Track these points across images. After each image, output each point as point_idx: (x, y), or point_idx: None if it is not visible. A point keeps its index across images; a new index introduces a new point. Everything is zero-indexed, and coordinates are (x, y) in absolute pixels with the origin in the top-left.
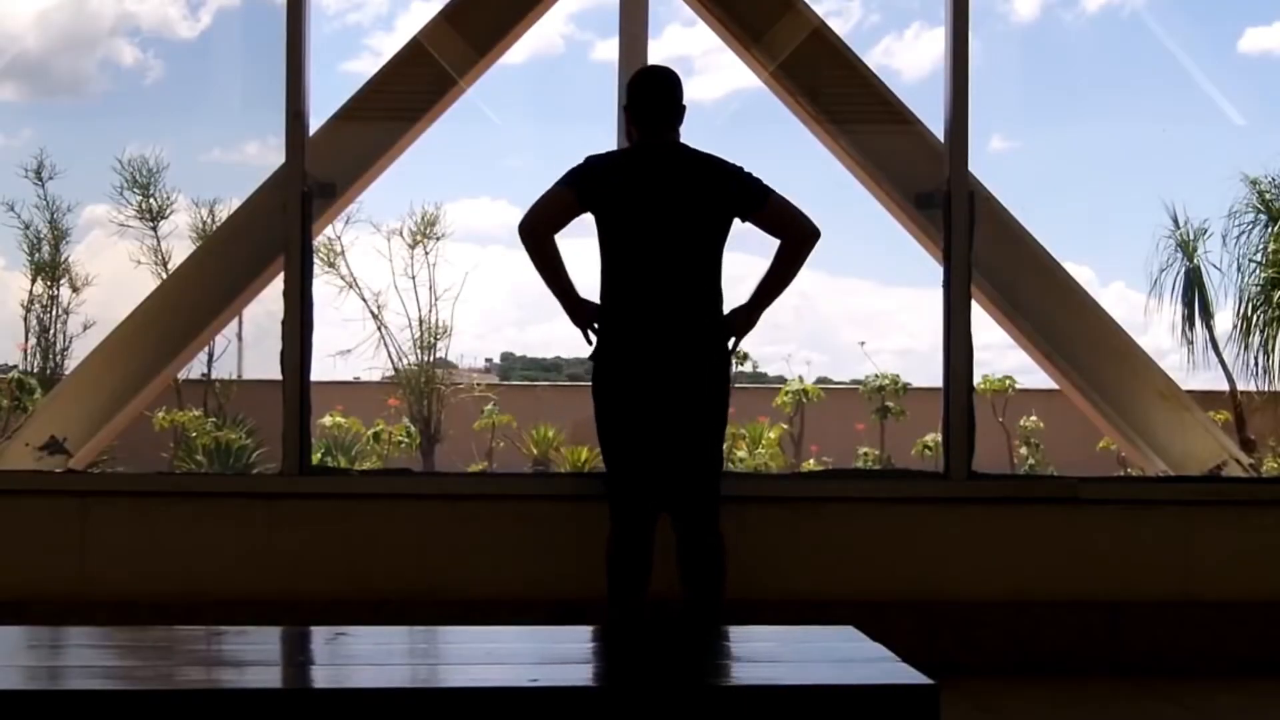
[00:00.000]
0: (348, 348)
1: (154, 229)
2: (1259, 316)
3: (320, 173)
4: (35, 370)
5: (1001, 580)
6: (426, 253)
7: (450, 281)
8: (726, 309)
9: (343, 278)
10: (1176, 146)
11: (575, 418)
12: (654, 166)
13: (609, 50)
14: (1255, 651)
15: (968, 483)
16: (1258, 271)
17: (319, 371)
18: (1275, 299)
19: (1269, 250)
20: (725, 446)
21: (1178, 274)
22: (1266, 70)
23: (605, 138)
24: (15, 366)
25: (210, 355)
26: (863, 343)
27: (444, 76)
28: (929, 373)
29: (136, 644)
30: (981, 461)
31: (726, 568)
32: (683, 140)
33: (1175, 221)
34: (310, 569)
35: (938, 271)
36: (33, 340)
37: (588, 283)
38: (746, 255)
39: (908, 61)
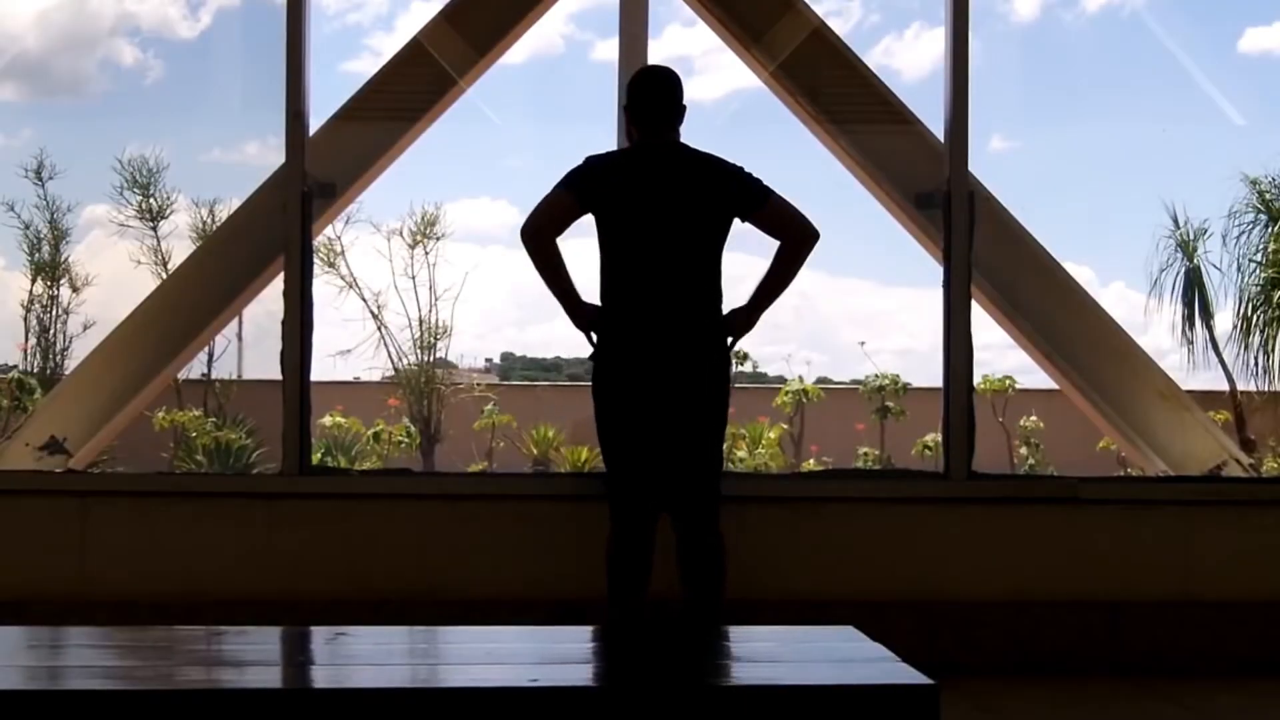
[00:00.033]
0: (348, 348)
1: (154, 229)
2: (1259, 316)
3: (320, 173)
4: (35, 370)
5: (1001, 580)
6: (426, 253)
7: (450, 281)
8: (726, 309)
9: (343, 278)
10: (1176, 146)
11: (575, 418)
12: (654, 166)
13: (609, 50)
14: (1255, 651)
15: (968, 483)
16: (1258, 271)
17: (319, 371)
18: (1275, 299)
19: (1269, 250)
20: (725, 446)
21: (1178, 274)
22: (1266, 70)
23: (605, 138)
24: (15, 366)
25: (210, 355)
26: (863, 343)
27: (444, 76)
28: (929, 373)
29: (136, 644)
30: (981, 461)
31: (726, 568)
32: (683, 140)
33: (1175, 221)
34: (310, 569)
35: (938, 271)
36: (33, 340)
37: (588, 283)
38: (746, 255)
39: (908, 61)
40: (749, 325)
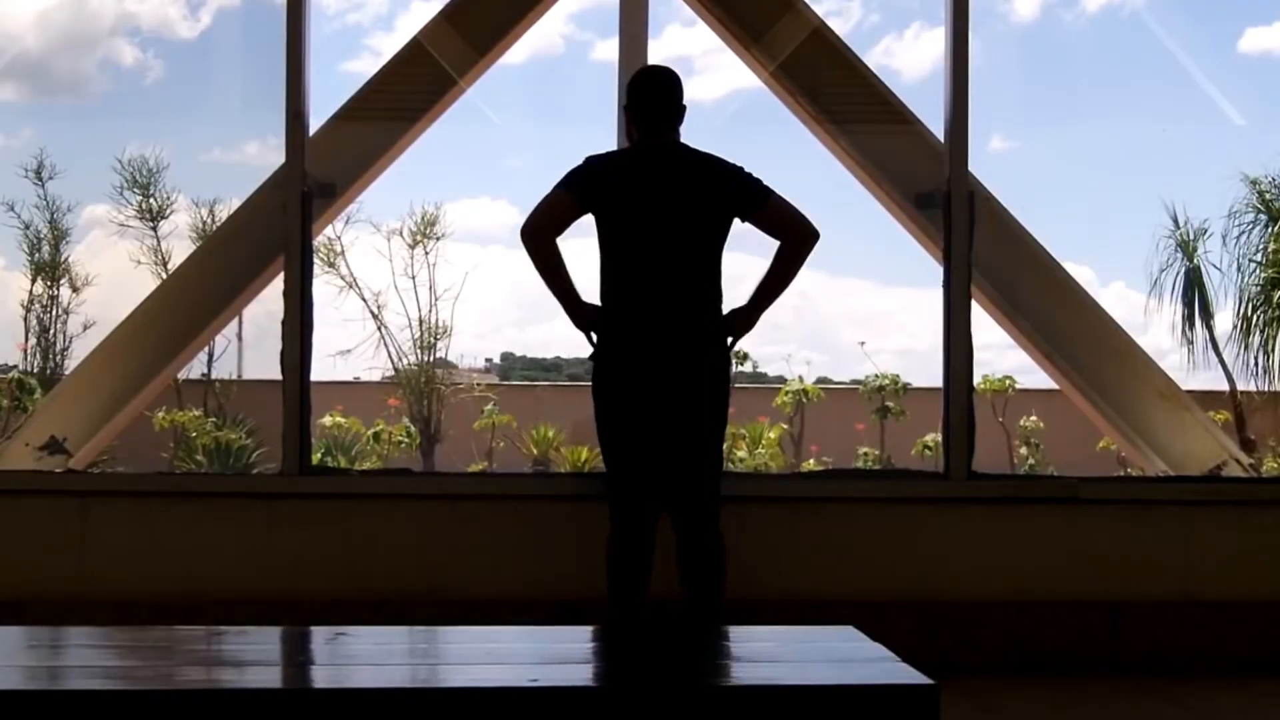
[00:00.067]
0: (348, 348)
1: (154, 229)
2: (1259, 316)
3: (320, 173)
4: (35, 370)
5: (1001, 580)
6: (426, 253)
7: (450, 281)
8: (726, 310)
9: (343, 278)
10: (1176, 146)
11: (575, 418)
12: (654, 166)
13: (609, 50)
14: (1255, 651)
15: (968, 483)
16: (1258, 271)
17: (319, 371)
18: (1275, 299)
19: (1269, 250)
20: (725, 446)
21: (1178, 274)
22: (1266, 70)
23: (605, 138)
24: (15, 366)
25: (210, 355)
26: (863, 343)
27: (444, 76)
28: (929, 373)
29: (136, 644)
30: (981, 461)
31: (726, 568)
32: (683, 140)
33: (1175, 221)
34: (310, 569)
35: (938, 271)
36: (33, 340)
37: (588, 283)
38: (746, 255)
39: (908, 61)
40: (749, 325)
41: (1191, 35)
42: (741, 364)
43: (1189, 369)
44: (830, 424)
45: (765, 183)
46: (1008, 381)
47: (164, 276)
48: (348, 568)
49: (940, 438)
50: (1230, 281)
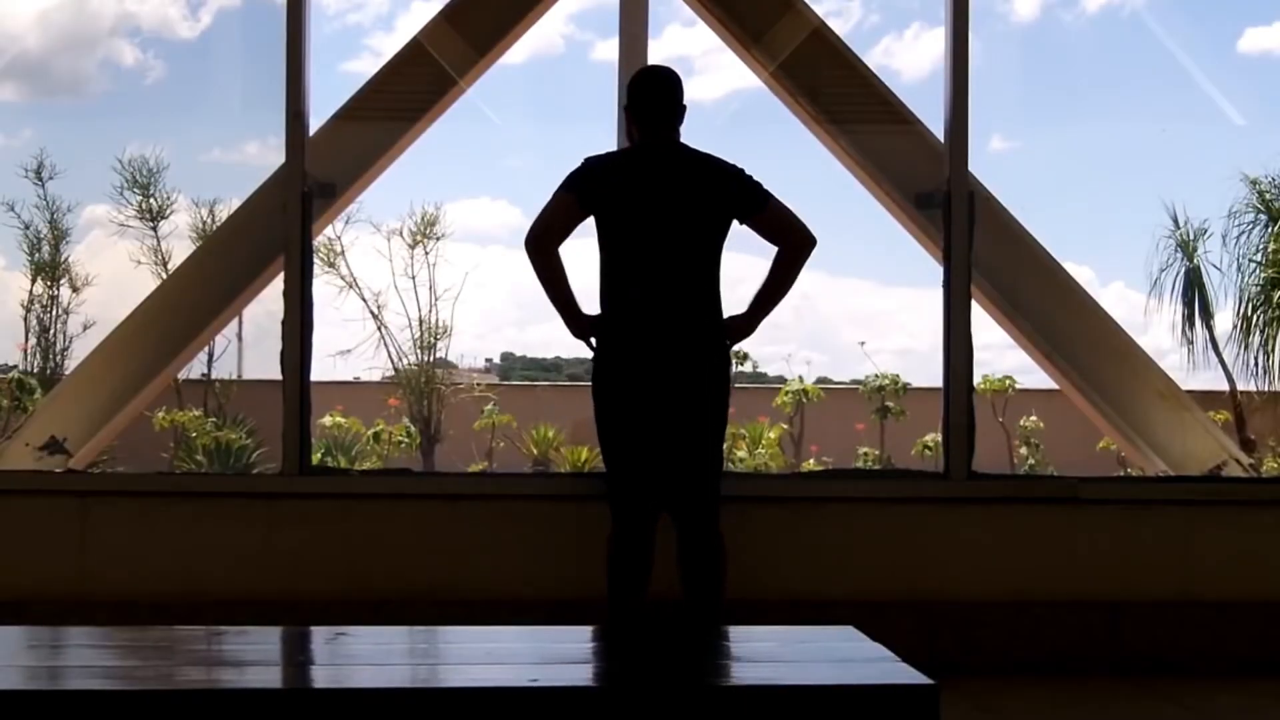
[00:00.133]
0: (348, 348)
1: (154, 229)
2: (1259, 316)
3: (320, 173)
4: (35, 370)
5: (1001, 580)
6: (426, 253)
7: (450, 281)
8: (726, 314)
9: (343, 278)
10: (1176, 146)
11: (575, 418)
12: (654, 166)
13: (609, 50)
14: (1255, 651)
15: (968, 483)
16: (1258, 271)
17: (319, 371)
18: (1275, 299)
19: (1269, 250)
20: (725, 446)
21: (1178, 274)
22: (1266, 70)
23: (605, 138)
24: (15, 366)
25: (210, 355)
26: (863, 343)
27: (444, 76)
28: (929, 373)
29: (136, 644)
30: (981, 461)
31: (726, 568)
32: (683, 140)
33: (1175, 221)
34: (310, 569)
35: (938, 271)
36: (33, 340)
37: (588, 283)
38: (746, 255)
39: (908, 61)
40: (748, 332)
41: (1191, 35)
42: (741, 364)
43: (1189, 369)
44: (830, 424)
45: (765, 186)
46: (1008, 381)
47: (164, 276)
48: (348, 568)
49: (940, 438)
50: (1230, 281)
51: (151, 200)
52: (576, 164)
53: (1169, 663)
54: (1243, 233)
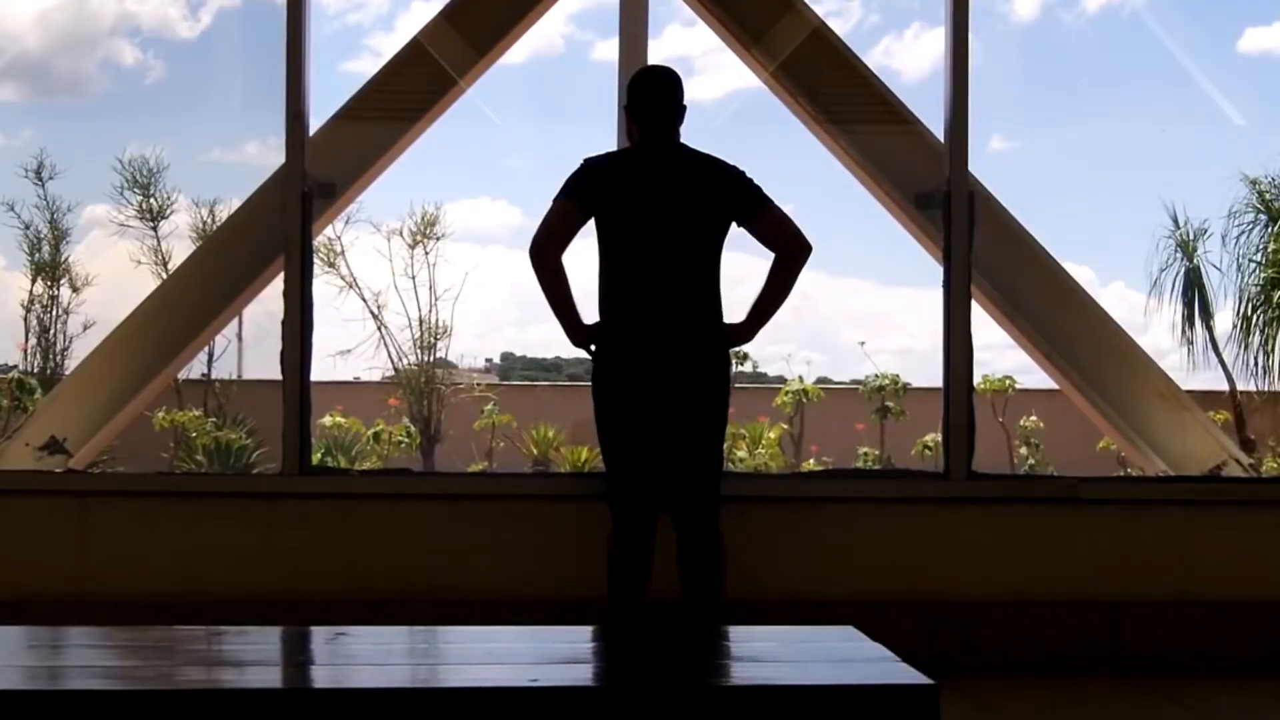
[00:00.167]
0: (348, 348)
1: (154, 229)
2: (1259, 316)
3: (320, 173)
4: (35, 370)
5: (1001, 580)
6: (426, 253)
7: (450, 281)
8: (726, 315)
9: (343, 278)
10: (1176, 146)
11: (575, 418)
12: (654, 166)
13: (609, 50)
14: (1255, 651)
15: (968, 483)
16: (1258, 271)
17: (319, 371)
18: (1275, 299)
19: (1269, 250)
20: (725, 446)
21: (1178, 274)
22: (1266, 70)
23: (605, 138)
24: (15, 366)
25: (210, 355)
26: (863, 343)
27: (444, 76)
28: (929, 373)
29: (136, 644)
30: (981, 461)
31: (726, 568)
32: (683, 140)
33: (1175, 221)
34: (310, 569)
35: (938, 271)
36: (33, 340)
37: (587, 284)
38: (747, 255)
39: (908, 61)
40: (747, 339)
41: (1191, 35)
42: (741, 364)
43: (1189, 369)
44: (830, 424)
45: (765, 191)
46: (1008, 381)
47: (164, 276)
48: (348, 568)
49: (940, 438)
50: (1230, 281)
51: (151, 200)
52: (576, 164)
53: (1169, 663)
54: (1243, 233)
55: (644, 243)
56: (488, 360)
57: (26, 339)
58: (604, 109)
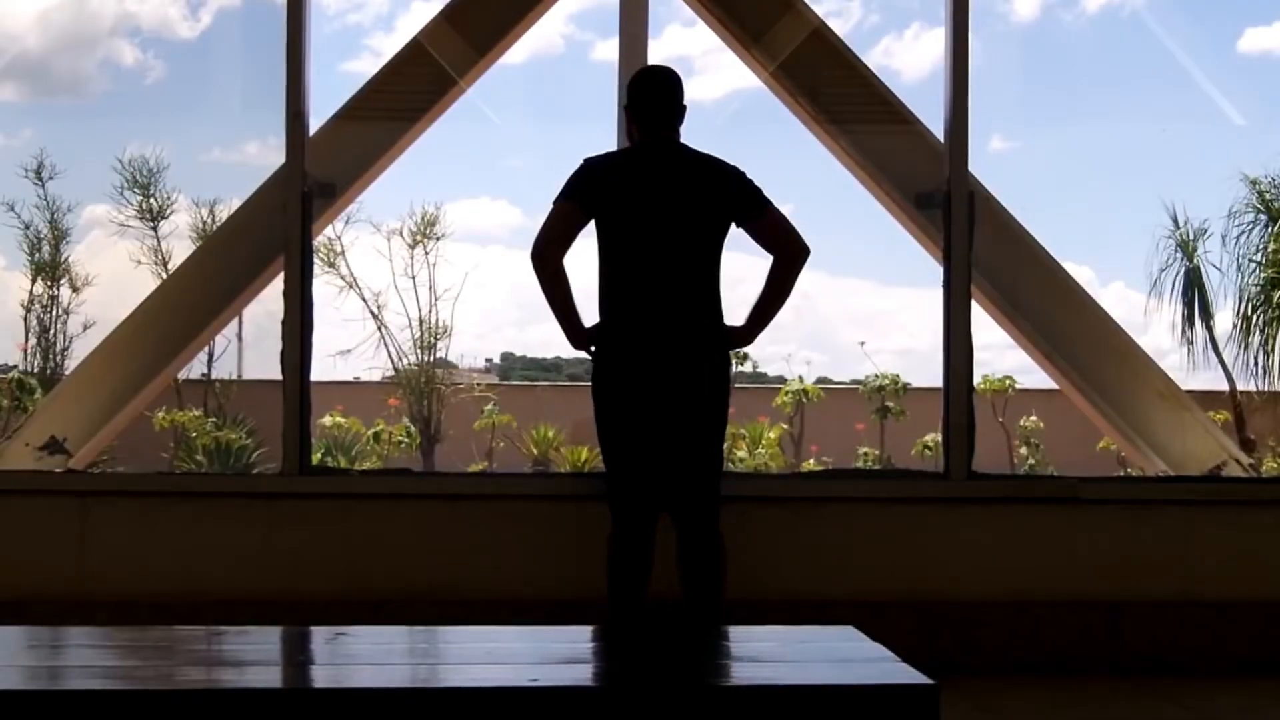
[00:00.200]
0: (348, 348)
1: (154, 229)
2: (1259, 316)
3: (320, 173)
4: (35, 370)
5: (1001, 580)
6: (426, 253)
7: (450, 281)
8: (726, 315)
9: (343, 278)
10: (1176, 146)
11: (575, 418)
12: (654, 166)
13: (609, 50)
14: (1255, 651)
15: (968, 483)
16: (1258, 271)
17: (319, 371)
18: (1275, 299)
19: (1269, 250)
20: (725, 446)
21: (1178, 274)
22: (1266, 70)
23: (605, 138)
24: (15, 366)
25: (210, 355)
26: (863, 343)
27: (444, 76)
28: (929, 373)
29: (136, 644)
30: (981, 461)
31: (726, 568)
32: (683, 140)
33: (1175, 221)
34: (310, 569)
35: (938, 271)
36: (33, 340)
37: (587, 284)
38: (746, 255)
39: (908, 61)
40: (747, 342)
41: (1191, 35)
42: (741, 364)
43: (1189, 369)
44: (830, 424)
45: (765, 193)
46: (1008, 381)
47: (164, 276)
48: (348, 568)
49: (940, 438)
50: (1230, 281)
51: (151, 200)
52: (576, 164)
53: (1169, 663)
54: (1243, 233)
55: (644, 243)
56: (488, 360)
57: (26, 339)
58: (604, 109)
